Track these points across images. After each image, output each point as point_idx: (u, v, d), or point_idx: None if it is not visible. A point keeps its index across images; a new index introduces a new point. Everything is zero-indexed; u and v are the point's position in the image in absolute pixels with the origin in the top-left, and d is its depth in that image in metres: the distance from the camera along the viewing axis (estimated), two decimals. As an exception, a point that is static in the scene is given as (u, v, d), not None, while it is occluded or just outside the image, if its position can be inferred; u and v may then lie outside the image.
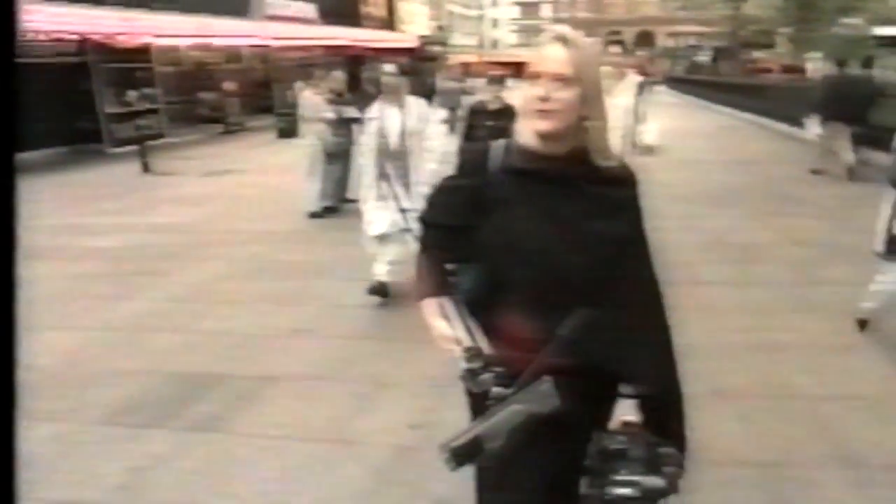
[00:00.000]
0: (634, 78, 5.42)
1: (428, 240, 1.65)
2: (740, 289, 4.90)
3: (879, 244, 3.74)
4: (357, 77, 20.38)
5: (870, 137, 8.83)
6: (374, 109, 4.73)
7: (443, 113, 12.42)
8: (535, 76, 1.39)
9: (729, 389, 3.37)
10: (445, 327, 1.48)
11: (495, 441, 1.28)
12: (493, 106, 5.52)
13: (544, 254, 1.42)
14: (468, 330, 1.45)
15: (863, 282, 4.01)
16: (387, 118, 4.64)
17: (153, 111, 16.46)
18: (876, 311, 3.94)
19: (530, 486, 1.50)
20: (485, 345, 1.44)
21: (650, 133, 5.34)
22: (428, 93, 18.60)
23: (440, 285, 1.55)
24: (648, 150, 5.30)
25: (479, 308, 1.50)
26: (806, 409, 3.19)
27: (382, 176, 4.68)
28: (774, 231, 6.53)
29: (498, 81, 5.72)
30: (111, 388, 3.68)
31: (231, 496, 2.72)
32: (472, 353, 1.38)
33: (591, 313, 1.36)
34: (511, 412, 1.30)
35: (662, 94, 30.42)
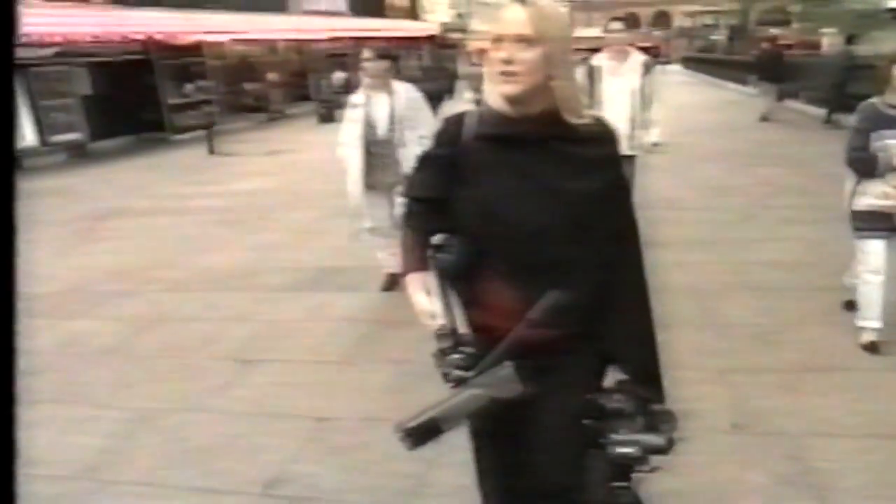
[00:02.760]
0: (639, 57, 5.03)
1: (410, 214, 1.61)
2: (710, 211, 6.47)
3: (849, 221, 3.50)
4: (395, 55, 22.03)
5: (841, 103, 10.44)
6: (359, 96, 4.47)
7: (470, 95, 13.94)
8: (499, 39, 1.38)
9: (674, 242, 5.12)
10: (426, 303, 1.46)
11: (452, 424, 1.27)
12: None
13: (520, 218, 1.40)
14: (447, 307, 1.43)
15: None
16: (373, 105, 4.39)
17: (207, 101, 18.23)
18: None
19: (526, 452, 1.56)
20: (461, 324, 1.44)
21: (655, 127, 5.05)
22: (450, 77, 20.17)
23: (423, 260, 1.51)
24: (654, 147, 5.10)
25: (462, 282, 1.48)
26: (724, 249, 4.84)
27: (370, 166, 4.47)
28: (746, 176, 8.04)
29: None
30: (279, 275, 5.56)
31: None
32: (443, 333, 1.36)
33: (563, 295, 1.32)
34: (469, 396, 1.28)
35: (677, 73, 31.50)
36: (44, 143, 14.68)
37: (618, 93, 4.92)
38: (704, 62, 30.97)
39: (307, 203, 8.34)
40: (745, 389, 3.17)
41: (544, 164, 1.40)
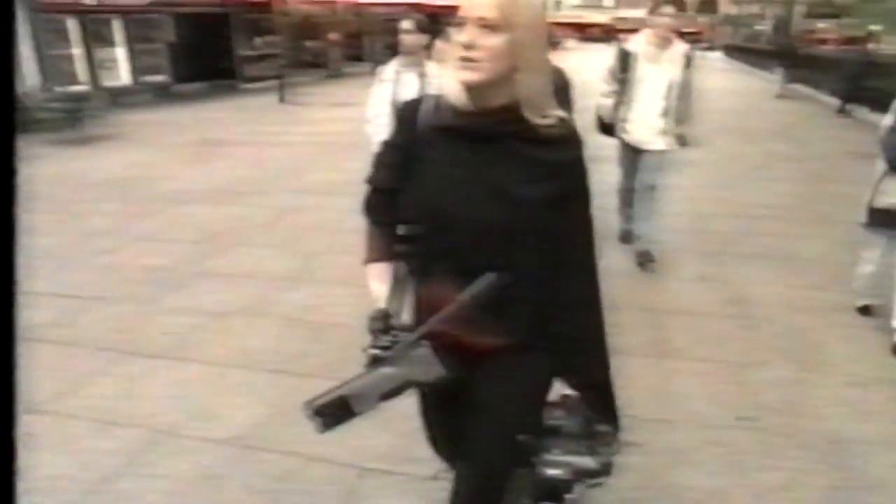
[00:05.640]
0: (682, 47, 4.45)
1: (369, 203, 1.51)
2: (723, 168, 7.91)
3: (863, 215, 3.62)
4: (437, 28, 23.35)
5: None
6: (389, 71, 4.06)
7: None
8: (462, 22, 1.25)
9: (693, 186, 6.48)
10: (378, 291, 1.42)
11: (365, 405, 1.20)
12: None
13: (464, 218, 1.30)
14: (393, 295, 1.39)
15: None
16: (402, 83, 3.94)
17: (274, 55, 19.81)
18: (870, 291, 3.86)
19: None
20: (404, 311, 1.40)
21: (691, 121, 4.53)
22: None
23: (382, 251, 1.46)
24: (689, 141, 4.57)
25: (418, 275, 1.43)
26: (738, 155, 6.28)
27: None
28: (754, 147, 9.43)
29: (552, 43, 4.82)
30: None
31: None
32: (377, 316, 1.30)
33: (498, 279, 1.25)
34: (381, 375, 1.22)
35: (717, 61, 32.14)
36: (135, 82, 16.45)
37: (653, 83, 4.34)
38: (746, 51, 30.52)
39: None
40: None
41: (496, 164, 1.30)
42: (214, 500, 2.39)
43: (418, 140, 1.36)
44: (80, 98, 12.28)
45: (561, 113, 1.35)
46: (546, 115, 1.31)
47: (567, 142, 1.35)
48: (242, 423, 2.84)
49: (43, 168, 8.85)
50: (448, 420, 1.56)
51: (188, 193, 7.12)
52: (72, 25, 15.05)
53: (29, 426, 2.80)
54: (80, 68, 15.22)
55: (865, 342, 3.51)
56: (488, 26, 1.23)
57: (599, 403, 1.43)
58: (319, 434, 1.20)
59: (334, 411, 1.19)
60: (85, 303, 4.21)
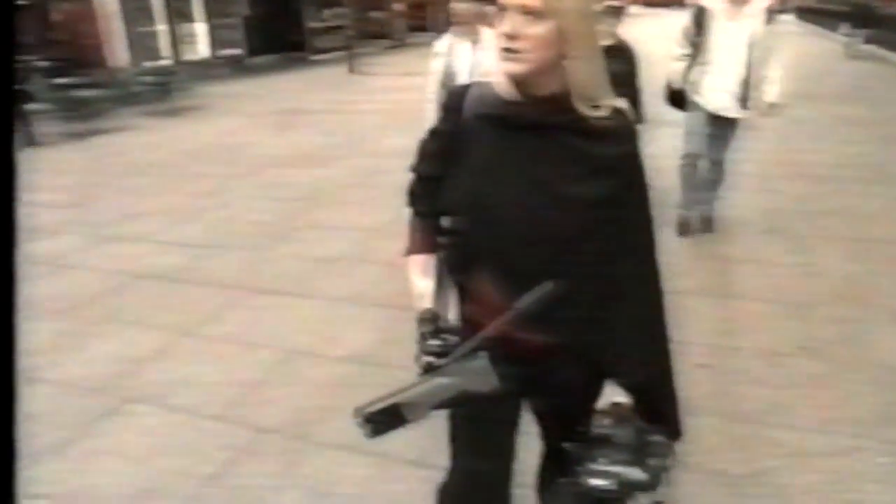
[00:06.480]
0: (763, 1, 4.06)
1: (413, 193, 1.45)
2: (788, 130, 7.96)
3: None
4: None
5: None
6: (443, 43, 3.77)
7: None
8: (503, 8, 1.16)
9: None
10: (422, 286, 1.37)
11: (417, 414, 1.15)
12: (603, 43, 3.73)
13: (510, 216, 1.23)
14: (439, 292, 1.36)
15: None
16: (457, 55, 3.68)
17: (341, 27, 20.32)
18: None
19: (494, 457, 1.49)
20: (451, 313, 1.36)
21: (773, 85, 4.14)
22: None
23: (425, 243, 1.41)
24: (769, 108, 4.20)
25: (459, 271, 1.36)
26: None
27: None
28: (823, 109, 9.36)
29: (615, 12, 4.13)
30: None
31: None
32: (425, 317, 1.28)
33: (555, 287, 1.16)
34: (437, 385, 1.17)
35: (789, 24, 30.78)
36: (213, 56, 17.28)
37: (732, 43, 4.03)
38: (820, 13, 28.20)
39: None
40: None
41: (543, 158, 1.22)
42: (347, 401, 2.90)
43: (464, 128, 1.29)
44: (167, 72, 13.12)
45: (616, 103, 1.25)
46: (599, 106, 1.21)
47: (620, 133, 1.24)
48: (359, 346, 3.35)
49: (142, 137, 9.66)
50: (479, 426, 1.46)
51: (277, 158, 7.71)
52: (156, 3, 15.91)
53: (186, 346, 3.40)
54: (164, 44, 16.11)
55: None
56: (531, 13, 1.13)
57: (655, 411, 1.33)
58: (368, 440, 1.17)
59: (386, 418, 1.15)
60: (206, 251, 4.82)
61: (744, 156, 5.61)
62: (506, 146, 1.24)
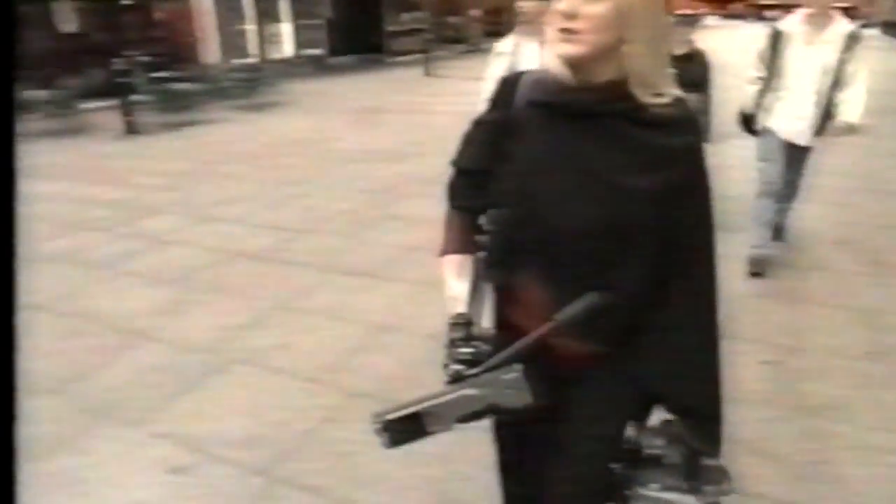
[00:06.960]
0: (844, 27, 3.82)
1: (454, 188, 1.37)
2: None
3: None
4: None
5: None
6: (507, 43, 3.74)
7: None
8: None
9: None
10: (457, 288, 1.28)
11: (440, 425, 1.07)
12: (677, 51, 3.94)
13: (560, 208, 1.15)
14: (474, 296, 1.27)
15: None
16: (522, 55, 3.61)
17: (418, 30, 20.78)
18: None
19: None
20: (485, 318, 1.29)
21: (854, 105, 3.81)
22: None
23: (463, 242, 1.32)
24: (849, 129, 3.84)
25: (496, 272, 1.27)
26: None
27: None
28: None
29: (689, 21, 4.29)
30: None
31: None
32: (457, 322, 1.19)
33: (601, 299, 1.10)
34: (462, 397, 1.07)
35: (874, 39, 29.29)
36: (296, 55, 18.00)
37: (806, 68, 3.84)
38: None
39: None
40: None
41: (598, 147, 1.14)
42: (431, 375, 3.09)
43: (515, 117, 1.21)
44: (255, 69, 13.80)
45: (677, 92, 1.16)
46: (659, 94, 1.13)
47: (681, 123, 1.15)
48: (441, 326, 3.54)
49: (232, 129, 10.23)
50: (523, 446, 1.42)
51: (358, 153, 8.05)
52: (247, 3, 16.72)
53: (281, 318, 3.68)
54: (252, 42, 16.90)
55: None
56: None
57: (704, 433, 1.22)
58: (385, 449, 1.07)
59: (406, 427, 1.06)
60: (294, 234, 5.14)
61: (819, 169, 5.54)
62: (559, 135, 1.17)
